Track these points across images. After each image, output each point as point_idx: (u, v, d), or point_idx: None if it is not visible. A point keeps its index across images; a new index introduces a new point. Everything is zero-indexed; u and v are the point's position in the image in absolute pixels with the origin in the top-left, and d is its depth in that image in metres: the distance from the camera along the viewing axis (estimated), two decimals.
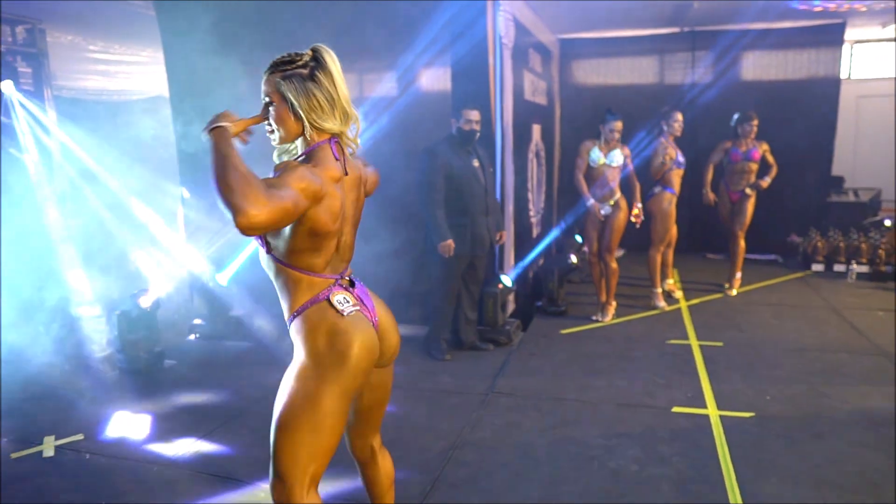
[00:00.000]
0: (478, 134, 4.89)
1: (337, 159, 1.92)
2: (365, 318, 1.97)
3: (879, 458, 3.33)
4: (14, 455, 3.58)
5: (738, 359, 4.85)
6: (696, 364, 4.77)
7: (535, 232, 7.41)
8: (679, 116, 6.10)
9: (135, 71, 8.14)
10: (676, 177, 6.21)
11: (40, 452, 3.60)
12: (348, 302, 1.94)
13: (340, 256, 2.00)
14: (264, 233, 1.66)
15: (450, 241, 4.74)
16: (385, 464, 2.32)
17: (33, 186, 5.99)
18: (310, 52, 1.91)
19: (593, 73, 9.61)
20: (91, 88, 7.64)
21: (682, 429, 3.72)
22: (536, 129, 7.48)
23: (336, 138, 1.94)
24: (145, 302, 4.91)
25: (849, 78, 10.38)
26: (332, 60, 1.90)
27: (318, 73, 1.88)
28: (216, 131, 1.72)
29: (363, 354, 1.90)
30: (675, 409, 3.98)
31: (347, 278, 2.03)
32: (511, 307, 6.12)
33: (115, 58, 7.92)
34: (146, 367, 4.86)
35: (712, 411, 3.95)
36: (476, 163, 4.85)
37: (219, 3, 5.76)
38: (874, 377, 4.44)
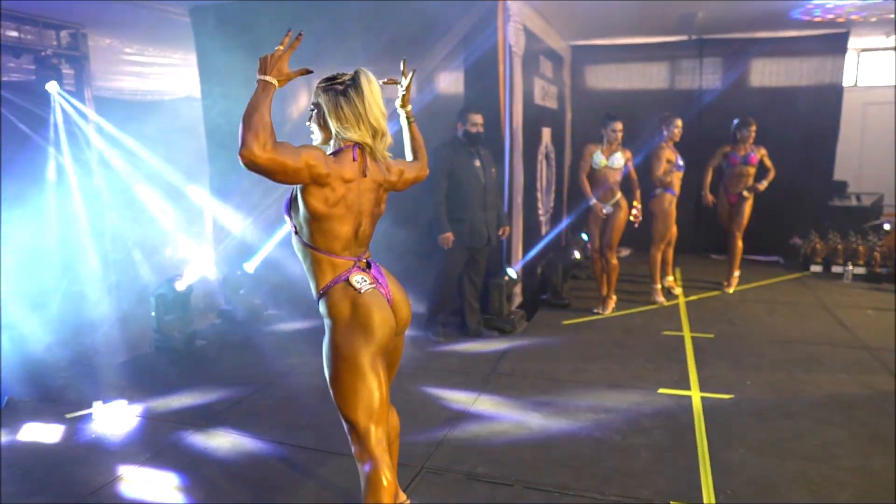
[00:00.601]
0: (481, 135, 5.28)
1: (355, 160, 2.30)
2: (380, 294, 2.37)
3: (841, 434, 3.68)
4: (69, 415, 4.04)
5: (726, 348, 5.20)
6: (686, 352, 5.13)
7: (544, 230, 7.78)
8: (679, 122, 6.45)
9: (167, 72, 8.63)
10: (676, 179, 6.56)
11: (90, 413, 4.06)
12: (365, 281, 2.34)
13: (358, 242, 2.40)
14: (258, 173, 2.00)
15: (448, 234, 5.15)
16: (392, 418, 2.72)
17: (70, 181, 6.48)
18: (352, 73, 2.31)
19: (604, 79, 9.96)
20: (127, 89, 8.14)
21: (665, 406, 4.09)
22: (546, 132, 7.86)
23: (359, 146, 2.33)
24: (181, 286, 5.37)
25: (855, 85, 10.66)
26: (367, 82, 2.28)
27: (350, 91, 2.28)
28: (264, 83, 2.08)
29: (382, 324, 2.30)
30: (661, 391, 4.35)
31: (365, 261, 2.43)
32: (519, 300, 6.51)
33: (149, 60, 8.41)
34: (180, 345, 5.31)
35: (695, 393, 4.31)
36: (478, 163, 5.25)
37: (248, 9, 6.22)
38: (852, 367, 4.77)
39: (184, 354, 5.28)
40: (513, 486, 3.17)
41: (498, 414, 4.02)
